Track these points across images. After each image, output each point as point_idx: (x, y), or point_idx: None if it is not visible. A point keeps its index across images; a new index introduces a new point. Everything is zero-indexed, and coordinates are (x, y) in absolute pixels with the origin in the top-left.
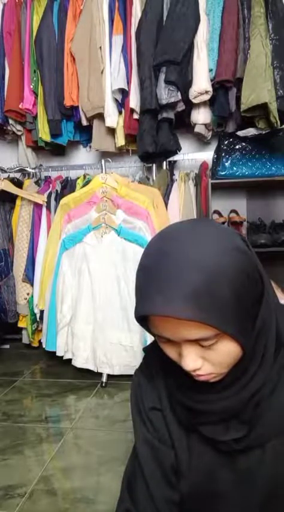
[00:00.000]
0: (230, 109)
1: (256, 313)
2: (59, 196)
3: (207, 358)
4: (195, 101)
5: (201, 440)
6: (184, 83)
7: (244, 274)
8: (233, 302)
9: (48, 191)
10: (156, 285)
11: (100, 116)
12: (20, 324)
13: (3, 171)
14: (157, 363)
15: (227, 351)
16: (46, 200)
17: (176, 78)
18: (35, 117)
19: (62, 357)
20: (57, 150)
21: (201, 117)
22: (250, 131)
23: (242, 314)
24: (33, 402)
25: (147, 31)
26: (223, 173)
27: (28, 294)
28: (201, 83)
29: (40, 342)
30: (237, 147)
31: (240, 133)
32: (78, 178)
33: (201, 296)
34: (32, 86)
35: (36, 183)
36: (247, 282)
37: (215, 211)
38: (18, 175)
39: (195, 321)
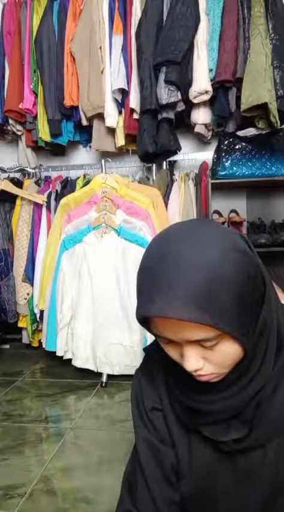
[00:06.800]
0: (230, 109)
1: (258, 313)
2: (59, 196)
3: (208, 358)
4: (194, 100)
5: (202, 440)
6: (184, 82)
7: (245, 275)
8: (234, 303)
9: (48, 191)
10: (157, 286)
11: (100, 116)
12: (20, 324)
13: (3, 171)
14: (157, 363)
15: (228, 351)
16: (46, 200)
17: (176, 78)
18: (35, 117)
19: (62, 357)
20: (57, 150)
21: (201, 117)
22: (250, 131)
23: (243, 314)
24: (33, 402)
25: (147, 31)
26: (223, 173)
27: (28, 294)
28: (201, 82)
29: (40, 342)
30: (237, 147)
31: (240, 133)
32: (78, 178)
33: (202, 297)
34: (32, 86)
35: (36, 183)
36: (248, 282)
37: (215, 211)
38: (18, 175)
39: (196, 322)
